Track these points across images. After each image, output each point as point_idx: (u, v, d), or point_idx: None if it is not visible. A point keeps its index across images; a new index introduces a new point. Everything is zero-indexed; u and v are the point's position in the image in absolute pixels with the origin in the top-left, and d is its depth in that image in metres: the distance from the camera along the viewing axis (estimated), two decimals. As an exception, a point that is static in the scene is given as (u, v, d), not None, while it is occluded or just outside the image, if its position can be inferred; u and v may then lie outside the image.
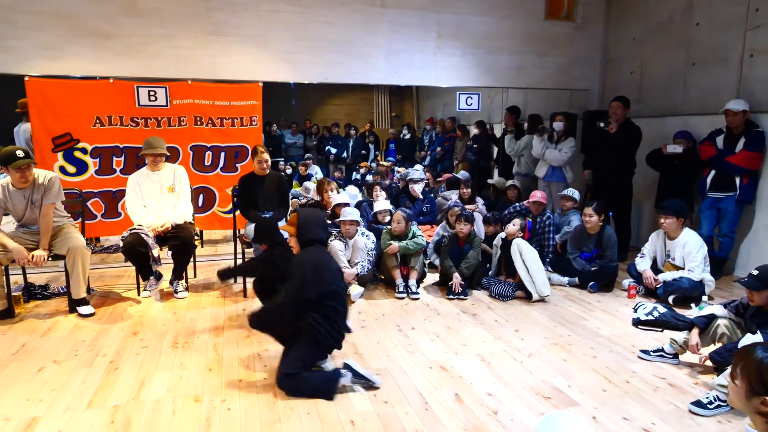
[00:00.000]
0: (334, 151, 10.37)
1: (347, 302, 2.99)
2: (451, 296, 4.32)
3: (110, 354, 3.25)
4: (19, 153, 3.62)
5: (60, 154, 4.72)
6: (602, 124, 5.39)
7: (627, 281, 4.51)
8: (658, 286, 4.22)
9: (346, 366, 2.86)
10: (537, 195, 5.17)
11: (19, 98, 5.27)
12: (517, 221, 4.52)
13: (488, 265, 4.80)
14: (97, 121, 4.79)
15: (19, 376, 2.95)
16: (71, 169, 4.78)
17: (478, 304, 4.21)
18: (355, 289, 4.27)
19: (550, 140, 6.02)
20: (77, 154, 4.78)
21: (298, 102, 12.33)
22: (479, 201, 5.96)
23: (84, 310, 3.85)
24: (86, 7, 4.53)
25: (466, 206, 5.49)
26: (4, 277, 3.74)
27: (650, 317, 3.69)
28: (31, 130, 4.70)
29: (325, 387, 2.75)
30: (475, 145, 8.27)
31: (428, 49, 5.73)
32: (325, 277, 2.79)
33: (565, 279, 4.67)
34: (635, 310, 3.86)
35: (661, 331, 3.61)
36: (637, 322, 3.73)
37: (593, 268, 4.55)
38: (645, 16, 5.91)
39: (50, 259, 3.81)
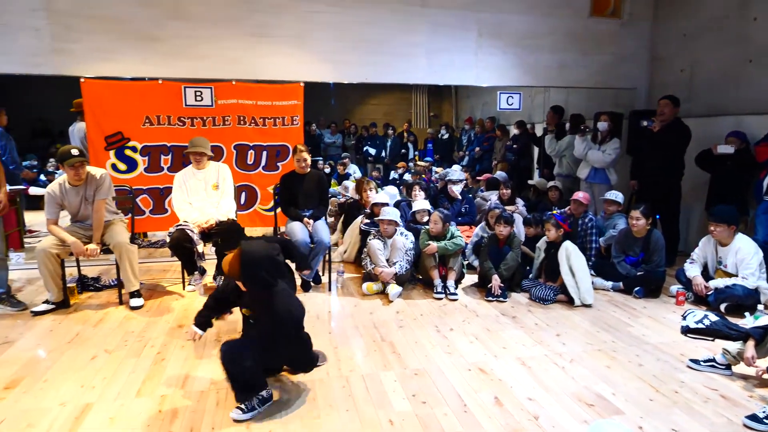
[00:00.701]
0: (372, 151, 10.42)
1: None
2: (490, 298, 4.27)
3: (157, 345, 3.36)
4: (74, 152, 3.79)
5: (112, 152, 4.92)
6: (645, 123, 5.22)
7: (675, 287, 4.34)
8: (709, 293, 4.05)
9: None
10: (578, 195, 5.06)
11: (73, 98, 5.53)
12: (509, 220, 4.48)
13: (528, 268, 4.72)
14: (147, 121, 4.97)
15: (73, 364, 3.10)
16: (122, 166, 4.98)
17: (517, 307, 4.15)
18: (393, 289, 4.27)
19: (594, 141, 5.87)
20: (128, 152, 4.98)
21: (337, 102, 12.44)
22: (519, 202, 5.87)
23: (134, 302, 4.02)
24: (137, 12, 4.70)
25: (506, 207, 5.41)
26: (61, 269, 3.93)
27: (701, 325, 3.54)
28: (86, 129, 4.92)
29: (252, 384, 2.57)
30: (514, 146, 8.14)
31: (469, 49, 5.68)
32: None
33: (609, 283, 4.54)
34: (684, 318, 3.72)
35: (713, 340, 3.47)
36: (686, 330, 3.58)
37: (639, 273, 4.40)
38: (696, 12, 5.68)
39: (102, 252, 3.98)
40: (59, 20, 4.54)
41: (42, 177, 8.47)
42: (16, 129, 5.91)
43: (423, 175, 8.06)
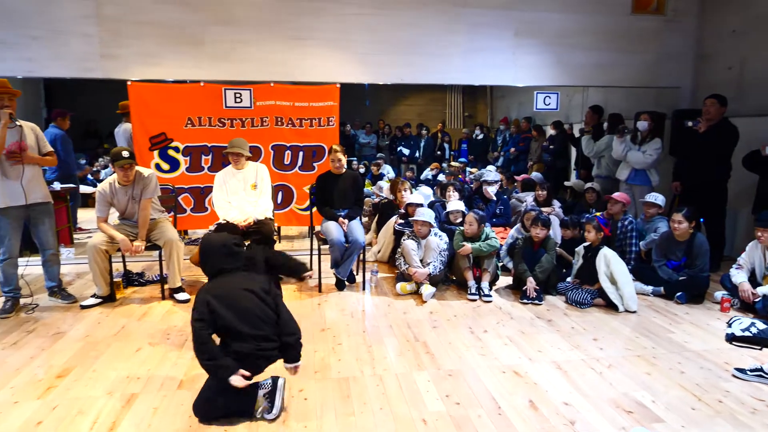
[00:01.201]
0: (406, 152, 10.44)
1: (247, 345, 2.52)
2: (525, 300, 4.22)
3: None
4: (125, 153, 3.96)
5: (156, 153, 5.11)
6: (690, 123, 5.05)
7: (720, 293, 4.19)
8: (757, 300, 3.89)
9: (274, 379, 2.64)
10: (616, 194, 4.95)
11: (119, 100, 5.77)
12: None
13: (564, 271, 4.64)
14: (189, 122, 5.14)
15: (119, 355, 3.24)
16: (165, 166, 5.16)
17: (553, 310, 4.09)
18: (426, 289, 4.28)
19: (634, 141, 5.71)
20: (171, 152, 5.16)
21: (371, 102, 12.52)
22: (556, 204, 5.77)
23: (181, 296, 4.18)
24: (184, 17, 4.86)
25: (542, 209, 5.33)
26: (109, 264, 4.11)
27: (747, 333, 3.41)
28: (132, 129, 5.12)
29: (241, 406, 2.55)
30: (551, 146, 8.02)
31: (506, 48, 5.62)
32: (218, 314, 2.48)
33: (649, 288, 4.42)
34: (729, 325, 3.58)
35: (760, 349, 3.33)
36: (731, 338, 3.46)
37: (681, 278, 4.27)
38: (746, 7, 5.46)
39: (146, 249, 4.14)
40: (108, 26, 4.74)
41: (90, 176, 8.84)
42: (70, 131, 6.20)
43: (458, 176, 8.02)
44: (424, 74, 5.57)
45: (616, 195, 4.97)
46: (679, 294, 4.22)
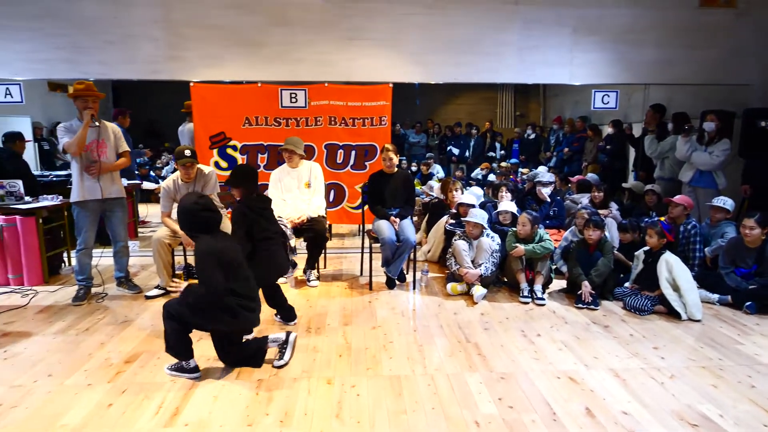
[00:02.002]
0: (456, 151, 10.37)
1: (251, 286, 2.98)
2: (580, 305, 4.11)
3: (255, 331, 3.58)
4: (187, 153, 4.15)
5: (215, 151, 5.31)
6: (764, 123, 4.75)
7: (794, 304, 3.93)
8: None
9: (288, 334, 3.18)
10: (678, 196, 4.73)
11: (180, 101, 6.04)
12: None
13: (622, 275, 4.48)
14: (246, 122, 5.31)
15: (181, 344, 3.39)
16: (224, 164, 5.35)
17: (610, 316, 3.96)
18: (478, 291, 4.24)
19: (700, 141, 5.43)
20: (229, 150, 5.35)
21: (421, 102, 12.49)
22: (613, 206, 5.57)
23: None
24: (243, 20, 5.03)
25: (599, 211, 5.16)
26: (171, 257, 4.31)
27: (826, 348, 3.18)
28: (194, 129, 5.34)
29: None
30: (608, 146, 7.74)
31: (563, 45, 5.48)
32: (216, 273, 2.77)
33: (715, 296, 4.20)
34: (805, 339, 3.36)
35: (841, 365, 3.10)
36: (807, 352, 3.24)
37: (751, 287, 4.03)
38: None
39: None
40: (175, 30, 4.97)
41: (152, 173, 9.29)
42: (132, 129, 6.54)
43: (509, 176, 7.89)
44: (476, 73, 5.52)
45: (677, 198, 4.75)
46: (748, 303, 3.99)
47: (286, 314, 3.72)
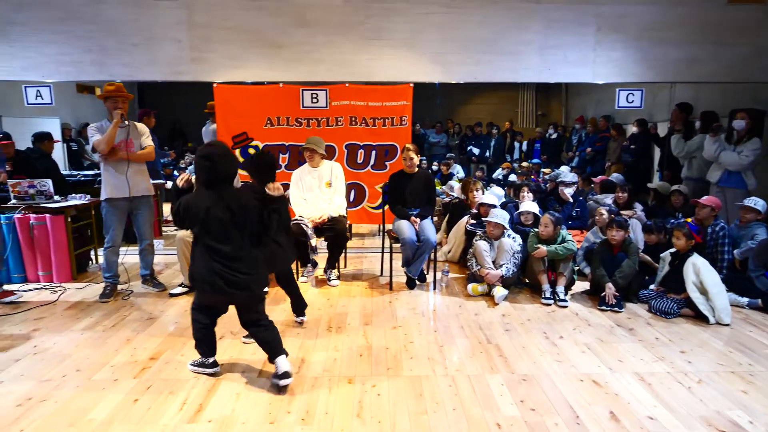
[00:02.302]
0: (476, 151, 10.31)
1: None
2: (603, 307, 4.04)
3: (275, 331, 3.62)
4: None
5: (237, 151, 5.37)
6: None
7: (828, 309, 3.81)
8: None
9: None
10: (706, 197, 4.62)
11: (202, 102, 6.12)
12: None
13: (647, 277, 4.40)
14: (268, 122, 5.36)
15: (204, 342, 3.44)
16: (242, 166, 5.41)
17: (635, 319, 3.89)
18: (499, 291, 4.21)
19: (728, 141, 5.30)
20: (251, 151, 5.40)
21: (441, 101, 12.45)
22: (638, 207, 5.47)
23: None
24: (265, 21, 5.08)
25: (623, 212, 5.08)
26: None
27: None
28: (217, 129, 5.41)
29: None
30: (632, 146, 7.59)
31: (586, 44, 5.40)
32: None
33: (744, 300, 4.10)
34: (840, 344, 3.25)
35: None
36: (842, 359, 3.13)
37: (782, 290, 3.92)
38: None
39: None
40: (198, 32, 5.04)
41: (176, 173, 9.44)
42: (157, 130, 6.65)
43: (531, 176, 7.81)
44: (496, 72, 5.46)
45: (704, 199, 4.64)
46: (779, 307, 3.88)
47: (297, 306, 3.73)
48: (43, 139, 5.80)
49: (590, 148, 8.89)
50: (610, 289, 4.07)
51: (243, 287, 2.77)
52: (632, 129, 7.68)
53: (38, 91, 5.07)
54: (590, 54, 5.43)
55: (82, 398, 2.74)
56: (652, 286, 4.25)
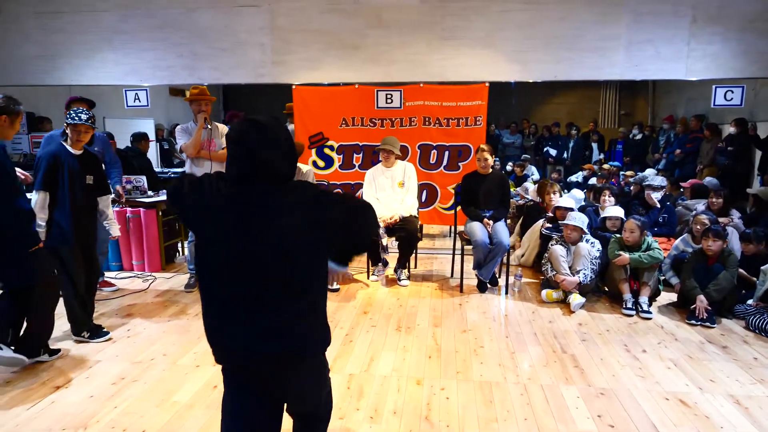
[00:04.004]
0: (553, 153, 9.93)
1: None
2: (693, 321, 3.75)
3: (346, 327, 3.68)
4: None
5: (314, 151, 5.53)
6: None
7: None
8: None
9: None
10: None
11: (280, 103, 6.34)
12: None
13: (743, 291, 4.03)
14: (343, 122, 5.47)
15: (279, 335, 3.56)
16: (321, 163, 5.56)
17: (729, 336, 3.58)
18: (575, 299, 4.02)
19: None
20: (326, 150, 5.54)
21: (517, 101, 12.11)
22: (735, 214, 5.02)
23: (331, 286, 4.48)
24: (342, 23, 5.18)
25: (718, 219, 4.68)
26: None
27: None
28: (294, 129, 5.60)
29: None
30: (729, 148, 6.99)
31: (679, 38, 5.03)
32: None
33: None
34: None
35: None
36: None
37: None
38: None
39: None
40: (279, 36, 5.24)
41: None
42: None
43: (612, 179, 7.41)
44: (579, 70, 5.22)
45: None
46: None
47: None
48: (140, 139, 6.30)
49: (680, 149, 8.28)
50: (702, 302, 3.76)
51: None
52: (729, 129, 7.07)
53: (136, 94, 5.49)
54: (683, 48, 5.06)
55: (167, 381, 2.93)
56: (750, 301, 3.89)
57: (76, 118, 3.24)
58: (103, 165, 4.41)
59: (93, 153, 3.55)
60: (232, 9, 5.21)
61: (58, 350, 3.22)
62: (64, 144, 3.29)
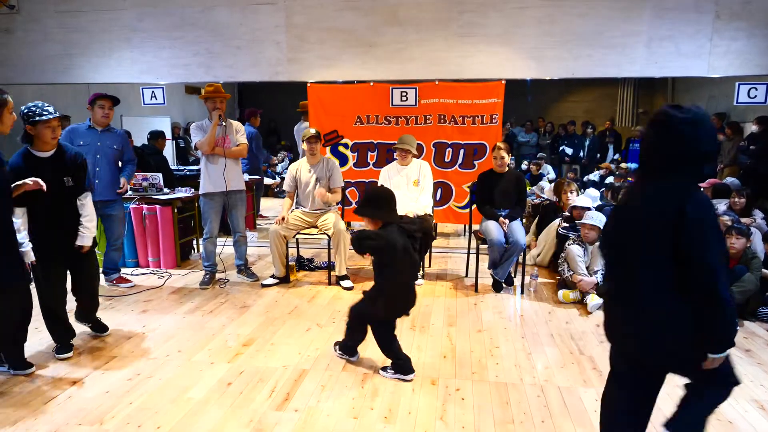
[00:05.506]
0: (569, 151, 9.82)
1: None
2: (714, 324, 3.66)
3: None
4: (312, 131, 4.58)
5: (328, 149, 5.51)
6: None
7: None
8: None
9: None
10: None
11: (294, 101, 6.35)
12: None
13: (767, 293, 3.92)
14: (358, 120, 5.44)
15: (292, 333, 3.56)
16: (335, 161, 5.53)
17: (752, 339, 3.49)
18: (592, 300, 3.96)
19: None
20: (341, 148, 5.52)
21: (533, 99, 11.99)
22: (758, 214, 4.91)
23: (345, 283, 4.48)
24: (358, 21, 5.16)
25: (741, 219, 4.57)
26: (286, 249, 4.55)
27: None
28: (309, 127, 5.60)
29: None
30: (751, 146, 6.83)
31: (702, 34, 4.91)
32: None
33: None
34: None
35: None
36: None
37: None
38: None
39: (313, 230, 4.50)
40: (295, 33, 5.23)
41: (269, 170, 9.92)
42: (258, 128, 6.99)
43: (629, 178, 7.30)
44: (599, 67, 5.13)
45: None
46: None
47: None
48: (157, 137, 6.35)
49: (700, 148, 8.11)
50: (723, 304, 3.67)
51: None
52: (752, 127, 6.92)
53: (153, 92, 5.53)
54: (706, 44, 4.94)
55: (182, 377, 2.94)
56: (774, 304, 3.79)
57: (45, 113, 2.82)
58: (119, 163, 4.48)
59: (66, 149, 3.08)
60: (248, 7, 5.21)
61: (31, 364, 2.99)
62: (30, 149, 2.93)
